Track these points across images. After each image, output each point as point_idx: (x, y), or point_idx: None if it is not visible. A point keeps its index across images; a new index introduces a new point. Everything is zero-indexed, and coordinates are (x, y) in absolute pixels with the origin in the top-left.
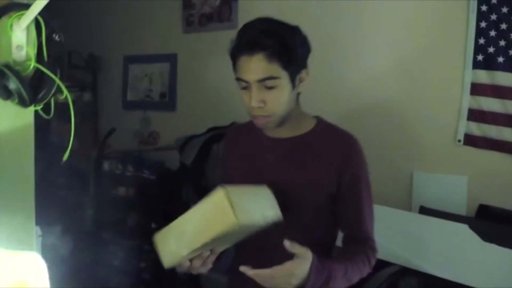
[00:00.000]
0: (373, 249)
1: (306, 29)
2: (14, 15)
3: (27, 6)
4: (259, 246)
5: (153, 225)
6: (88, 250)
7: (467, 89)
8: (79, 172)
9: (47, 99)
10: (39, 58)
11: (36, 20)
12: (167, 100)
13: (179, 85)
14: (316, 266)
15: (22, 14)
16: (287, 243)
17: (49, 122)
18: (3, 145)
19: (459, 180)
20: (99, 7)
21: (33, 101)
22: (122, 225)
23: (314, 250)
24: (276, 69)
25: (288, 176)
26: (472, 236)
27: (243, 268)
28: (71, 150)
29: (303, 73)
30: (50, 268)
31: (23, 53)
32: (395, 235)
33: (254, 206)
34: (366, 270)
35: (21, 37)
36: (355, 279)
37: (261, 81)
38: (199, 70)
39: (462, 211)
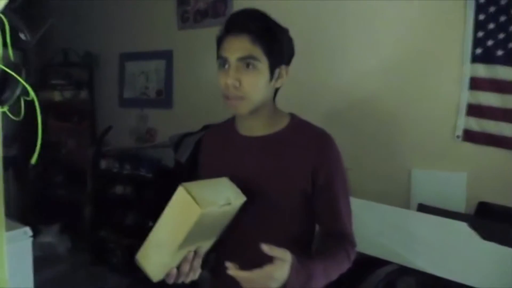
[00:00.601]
0: (352, 244)
1: (301, 26)
2: None
3: None
4: (238, 244)
5: (150, 224)
6: (85, 248)
7: (465, 84)
8: (76, 170)
9: (11, 101)
10: (3, 58)
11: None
12: (164, 97)
13: (175, 82)
14: (296, 267)
15: None
16: (265, 248)
17: (45, 121)
18: None
19: (458, 177)
20: (95, 4)
21: None
22: (120, 224)
23: (291, 248)
24: (258, 52)
25: (261, 175)
26: (471, 234)
27: (227, 264)
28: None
29: (283, 69)
30: (47, 266)
31: None
32: (393, 233)
33: (214, 193)
34: (345, 266)
35: None
36: (335, 275)
37: (242, 59)
38: (195, 67)
39: (461, 208)
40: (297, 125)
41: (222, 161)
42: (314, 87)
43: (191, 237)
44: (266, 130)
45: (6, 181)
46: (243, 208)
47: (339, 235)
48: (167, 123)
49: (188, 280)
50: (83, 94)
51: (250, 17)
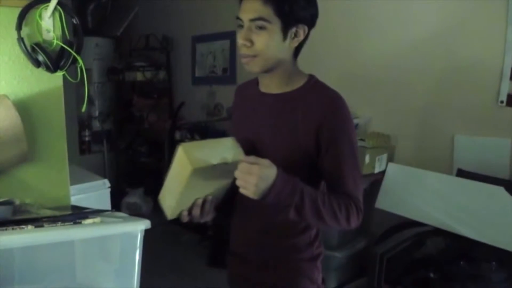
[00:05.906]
0: (358, 207)
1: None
2: (42, 7)
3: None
4: (244, 196)
5: None
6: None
7: (510, 47)
8: (157, 141)
9: (67, 67)
10: (62, 36)
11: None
12: (229, 74)
13: (238, 60)
14: (283, 175)
15: (47, 6)
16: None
17: (132, 98)
18: (39, 102)
19: (501, 143)
20: None
21: (57, 68)
22: None
23: None
24: (268, 13)
25: (268, 131)
26: (507, 198)
27: None
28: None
29: (300, 28)
30: None
31: (51, 34)
32: (431, 197)
33: (211, 152)
34: (342, 219)
35: (48, 22)
36: (328, 218)
37: (253, 20)
38: None
39: (505, 175)
40: (312, 86)
41: (243, 115)
42: (356, 56)
43: (191, 189)
44: (283, 88)
45: (102, 151)
46: None
47: (344, 195)
48: (232, 98)
49: (202, 220)
50: (162, 74)
51: None
